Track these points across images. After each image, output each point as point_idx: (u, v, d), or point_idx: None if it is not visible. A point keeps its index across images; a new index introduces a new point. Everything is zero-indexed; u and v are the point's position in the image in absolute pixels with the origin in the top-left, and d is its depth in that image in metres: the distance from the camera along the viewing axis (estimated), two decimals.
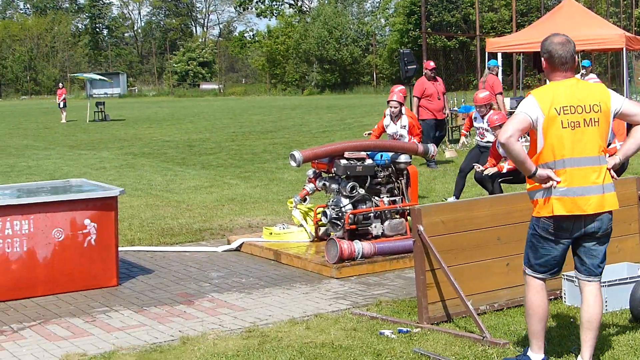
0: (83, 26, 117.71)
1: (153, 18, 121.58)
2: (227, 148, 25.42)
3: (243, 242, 11.09)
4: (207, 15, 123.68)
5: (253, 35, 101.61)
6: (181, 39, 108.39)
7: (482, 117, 13.34)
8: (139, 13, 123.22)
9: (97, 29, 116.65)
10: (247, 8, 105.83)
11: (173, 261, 10.56)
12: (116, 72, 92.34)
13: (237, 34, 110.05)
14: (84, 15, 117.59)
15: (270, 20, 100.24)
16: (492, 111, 13.25)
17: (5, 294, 8.76)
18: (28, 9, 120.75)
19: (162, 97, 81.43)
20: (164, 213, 13.95)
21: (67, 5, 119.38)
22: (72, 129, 37.49)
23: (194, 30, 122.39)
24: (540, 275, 6.08)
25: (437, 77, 20.78)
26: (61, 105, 44.56)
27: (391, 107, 13.91)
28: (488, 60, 23.91)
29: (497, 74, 21.40)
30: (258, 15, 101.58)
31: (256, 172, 19.39)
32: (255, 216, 13.40)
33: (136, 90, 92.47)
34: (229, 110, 49.23)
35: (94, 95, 77.88)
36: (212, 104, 58.50)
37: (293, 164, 10.46)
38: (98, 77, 62.14)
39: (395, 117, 13.92)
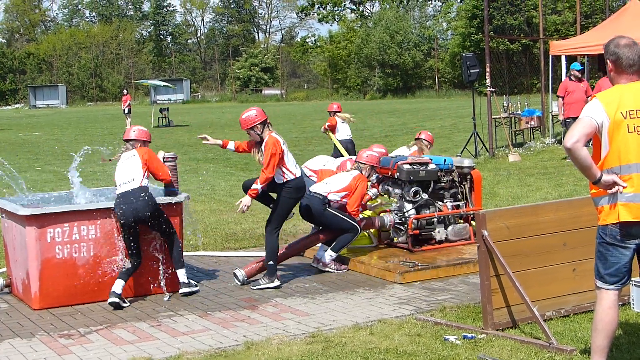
0: (147, 33, 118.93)
1: (216, 24, 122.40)
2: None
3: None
4: (269, 21, 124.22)
5: (315, 40, 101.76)
6: (244, 45, 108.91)
7: None
8: (202, 20, 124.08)
9: (161, 36, 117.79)
10: (309, 14, 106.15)
11: (237, 266, 10.58)
12: (180, 78, 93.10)
13: (299, 40, 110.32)
14: (148, 23, 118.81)
15: (332, 25, 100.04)
16: None
17: (73, 299, 8.87)
18: (94, 17, 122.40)
19: (224, 103, 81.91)
20: (227, 218, 14.03)
21: (132, 13, 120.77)
22: None
23: (257, 36, 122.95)
24: (612, 287, 5.89)
25: (582, 79, 21.23)
26: (126, 112, 45.05)
27: None
28: (569, 64, 23.62)
29: (581, 78, 21.19)
30: (320, 21, 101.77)
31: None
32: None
33: (199, 96, 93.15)
34: (291, 115, 49.36)
35: (158, 102, 78.70)
36: (275, 109, 58.68)
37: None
38: (162, 83, 62.68)
39: None
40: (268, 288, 9.39)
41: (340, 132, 17.30)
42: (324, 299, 8.82)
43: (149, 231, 9.17)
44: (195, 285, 9.30)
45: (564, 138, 5.67)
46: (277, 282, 9.46)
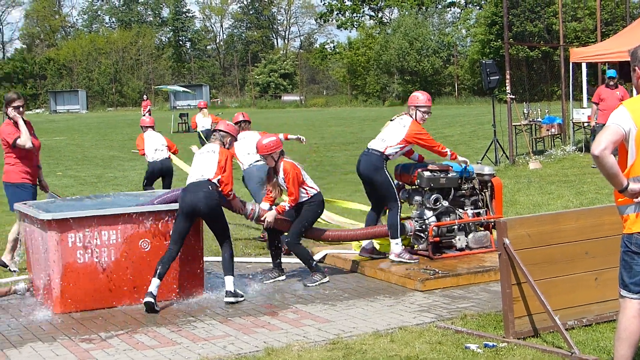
0: (167, 39, 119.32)
1: (235, 30, 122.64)
2: (309, 160, 25.50)
3: (326, 254, 11.11)
4: (288, 27, 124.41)
5: (334, 46, 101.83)
6: (263, 51, 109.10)
7: None
8: (221, 26, 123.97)
9: (181, 42, 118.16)
10: (328, 20, 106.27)
11: (257, 272, 10.61)
12: (199, 84, 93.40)
13: (318, 46, 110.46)
14: (168, 29, 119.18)
15: (350, 32, 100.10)
16: None
17: (94, 303, 8.91)
18: (113, 22, 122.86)
19: (244, 109, 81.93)
20: (249, 224, 14.01)
21: (151, 18, 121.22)
22: None
23: (275, 42, 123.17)
24: (636, 296, 5.80)
25: (618, 85, 21.26)
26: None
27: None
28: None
29: (616, 84, 21.11)
30: (339, 27, 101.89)
31: (338, 183, 19.42)
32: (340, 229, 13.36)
33: (219, 101, 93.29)
34: (310, 121, 49.41)
35: (177, 107, 78.98)
36: (294, 115, 58.80)
37: None
38: (181, 89, 62.91)
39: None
40: (322, 283, 9.84)
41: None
42: (345, 306, 8.81)
43: (196, 236, 9.38)
44: (242, 296, 9.26)
45: (591, 145, 5.62)
46: (327, 277, 9.97)
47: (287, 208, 9.91)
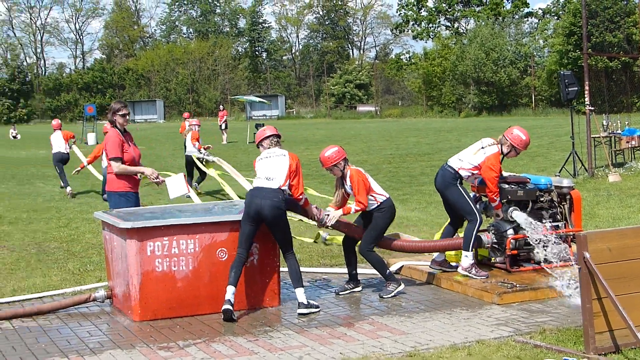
0: (243, 50, 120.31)
1: (311, 41, 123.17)
2: (384, 170, 25.46)
3: (402, 265, 11.06)
4: (363, 38, 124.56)
5: (409, 57, 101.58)
6: (338, 62, 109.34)
7: None
8: (297, 36, 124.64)
9: (257, 52, 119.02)
10: (404, 31, 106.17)
11: (333, 283, 10.61)
12: (275, 94, 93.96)
13: (393, 56, 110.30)
14: (244, 39, 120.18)
15: (426, 42, 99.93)
16: None
17: (172, 311, 9.00)
18: (191, 33, 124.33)
19: (319, 119, 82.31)
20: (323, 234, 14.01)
21: (228, 29, 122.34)
22: (232, 150, 38.31)
23: (351, 52, 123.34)
24: None
25: None
26: (222, 127, 45.62)
27: None
28: None
29: None
30: (414, 38, 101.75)
31: (414, 194, 19.34)
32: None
33: (294, 112, 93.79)
34: (386, 132, 49.32)
35: (253, 117, 79.54)
36: (369, 126, 58.73)
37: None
38: (257, 99, 63.21)
39: None
40: (399, 292, 9.83)
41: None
42: (421, 318, 8.77)
43: (272, 244, 9.43)
44: (317, 307, 9.28)
45: None
46: (402, 285, 9.95)
47: (353, 211, 9.86)
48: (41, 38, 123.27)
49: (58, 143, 22.50)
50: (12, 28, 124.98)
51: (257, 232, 9.18)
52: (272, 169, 9.32)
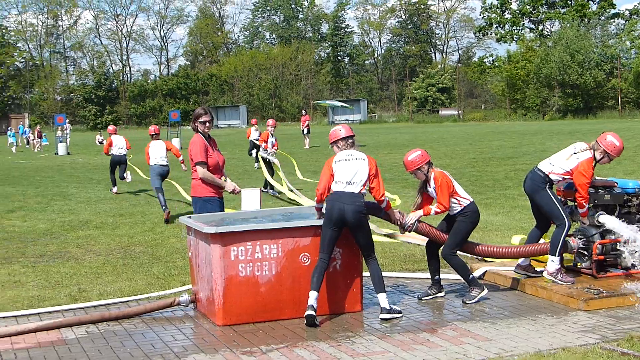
0: (325, 54, 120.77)
1: (393, 45, 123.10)
2: (468, 174, 25.27)
3: (486, 271, 10.95)
4: (446, 41, 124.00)
5: (493, 60, 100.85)
6: (420, 66, 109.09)
7: None
8: (379, 41, 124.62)
9: (339, 57, 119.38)
10: (487, 33, 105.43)
11: (416, 288, 10.55)
12: (357, 98, 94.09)
13: (476, 60, 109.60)
14: (327, 44, 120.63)
15: (510, 45, 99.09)
16: None
17: (254, 316, 9.04)
18: (273, 39, 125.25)
19: (401, 123, 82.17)
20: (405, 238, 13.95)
21: (311, 34, 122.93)
22: (315, 155, 38.43)
23: (433, 56, 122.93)
24: None
25: None
26: (305, 132, 45.81)
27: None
28: None
29: None
30: (498, 41, 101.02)
31: (497, 198, 19.15)
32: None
33: (376, 116, 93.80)
34: (468, 135, 48.98)
35: (335, 122, 79.70)
36: (451, 130, 58.41)
37: None
38: (340, 103, 63.44)
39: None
40: (482, 298, 9.75)
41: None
42: (505, 324, 8.66)
43: (354, 249, 9.38)
44: (399, 312, 9.24)
45: None
46: (486, 290, 9.86)
47: (432, 212, 9.78)
48: (127, 45, 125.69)
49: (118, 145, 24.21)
50: (99, 36, 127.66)
51: (340, 237, 9.18)
52: (353, 173, 9.25)
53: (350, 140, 9.59)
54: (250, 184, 24.82)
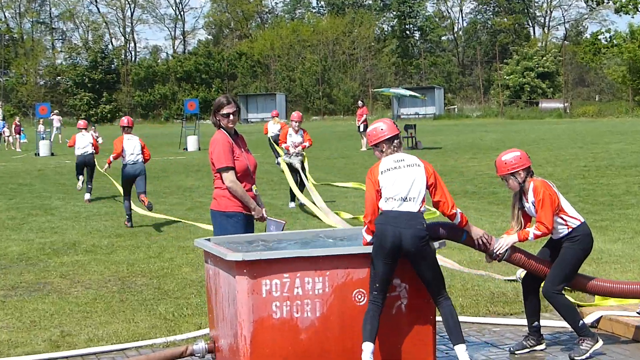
0: (389, 28, 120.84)
1: (478, 17, 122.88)
2: (576, 187, 25.08)
3: (602, 316, 10.79)
4: (548, 12, 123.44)
5: (610, 37, 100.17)
6: (515, 44, 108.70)
7: None
8: (461, 11, 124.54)
9: (407, 32, 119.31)
10: (603, 2, 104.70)
11: (507, 338, 10.43)
12: (430, 86, 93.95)
13: (588, 36, 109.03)
14: (391, 15, 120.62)
15: (633, 17, 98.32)
16: None
17: None
18: (322, 7, 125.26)
19: (489, 119, 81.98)
20: (493, 271, 13.83)
21: (370, 2, 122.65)
22: (373, 159, 38.24)
23: (532, 31, 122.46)
24: None
25: None
26: (361, 129, 45.77)
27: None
28: None
29: None
30: (617, 12, 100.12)
31: (617, 220, 18.95)
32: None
33: (456, 109, 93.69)
34: (578, 136, 48.71)
35: (402, 116, 79.82)
36: (555, 128, 58.14)
37: None
38: (408, 92, 63.26)
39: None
40: (595, 352, 9.59)
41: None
42: None
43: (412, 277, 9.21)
44: None
45: None
46: (600, 342, 9.66)
47: (531, 236, 9.58)
48: (131, 14, 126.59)
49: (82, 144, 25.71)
50: (96, 2, 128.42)
51: (402, 270, 9.01)
52: (408, 186, 9.03)
53: (396, 141, 9.40)
54: (277, 195, 24.81)
